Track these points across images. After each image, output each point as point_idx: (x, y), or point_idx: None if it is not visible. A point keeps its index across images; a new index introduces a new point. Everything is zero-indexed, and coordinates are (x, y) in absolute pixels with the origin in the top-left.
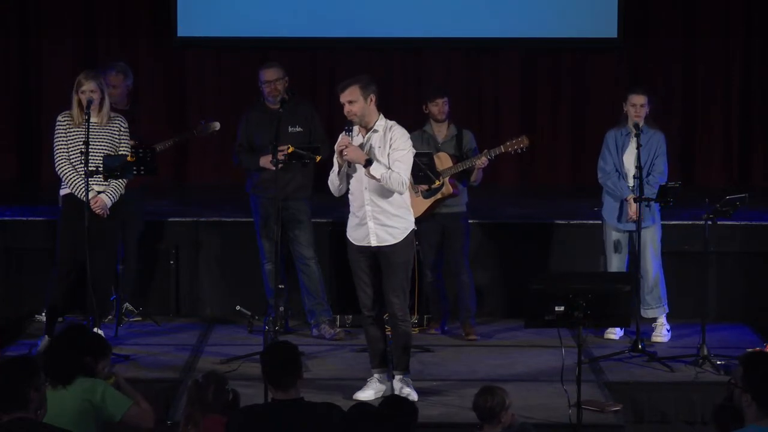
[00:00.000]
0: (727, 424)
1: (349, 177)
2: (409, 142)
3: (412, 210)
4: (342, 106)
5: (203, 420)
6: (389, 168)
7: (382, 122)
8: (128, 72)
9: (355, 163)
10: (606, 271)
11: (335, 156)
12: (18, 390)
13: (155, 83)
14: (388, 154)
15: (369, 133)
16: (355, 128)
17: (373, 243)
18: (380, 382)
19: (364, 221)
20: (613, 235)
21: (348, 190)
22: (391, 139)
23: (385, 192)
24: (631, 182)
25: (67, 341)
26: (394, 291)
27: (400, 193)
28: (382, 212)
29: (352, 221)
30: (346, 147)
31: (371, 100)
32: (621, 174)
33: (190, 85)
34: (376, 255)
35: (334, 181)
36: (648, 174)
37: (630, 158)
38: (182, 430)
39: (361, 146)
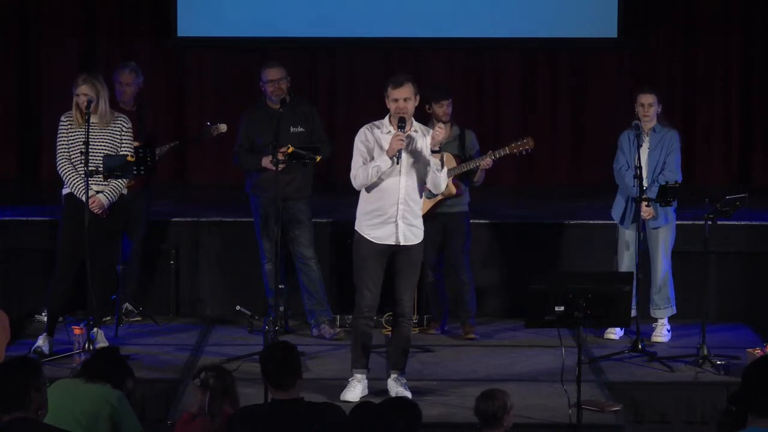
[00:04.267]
0: (731, 428)
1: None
2: None
3: None
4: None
5: (224, 413)
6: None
7: (416, 124)
8: (139, 71)
9: (436, 146)
10: (609, 270)
11: (359, 152)
12: (18, 390)
13: (155, 83)
14: (429, 154)
15: (408, 133)
16: (387, 125)
17: (401, 242)
18: (362, 382)
19: (393, 220)
20: (625, 235)
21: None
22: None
23: (416, 192)
24: (645, 182)
25: (110, 350)
26: (409, 291)
27: (437, 193)
28: (411, 212)
29: (373, 219)
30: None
31: (417, 100)
32: (634, 173)
33: (190, 85)
34: (395, 255)
35: (372, 176)
36: (660, 172)
37: (643, 157)
38: (210, 426)
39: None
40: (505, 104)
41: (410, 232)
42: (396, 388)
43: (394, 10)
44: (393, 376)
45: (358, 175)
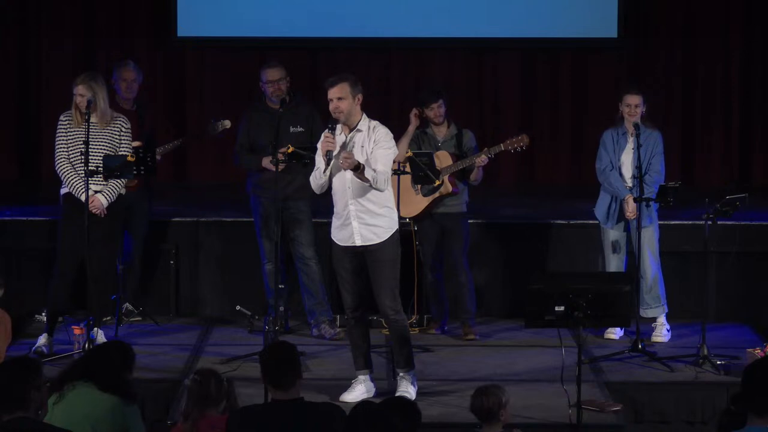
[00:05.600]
0: (731, 428)
1: (332, 176)
2: (393, 142)
3: (396, 209)
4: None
5: (205, 418)
6: (373, 169)
7: (365, 122)
8: (139, 69)
9: (350, 169)
10: (605, 271)
11: (319, 154)
12: (18, 390)
13: (155, 83)
14: (371, 152)
15: (352, 132)
16: (339, 126)
17: (358, 243)
18: (364, 383)
19: (348, 221)
20: (611, 235)
21: (330, 188)
22: (374, 140)
23: (368, 191)
24: (629, 182)
25: (122, 352)
26: (383, 291)
27: (381, 191)
28: (366, 211)
29: (336, 222)
30: (347, 157)
31: (358, 99)
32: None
33: (190, 85)
34: (362, 255)
35: (318, 179)
36: (645, 173)
37: (627, 158)
38: (179, 428)
39: (344, 145)
40: (505, 104)
41: (369, 232)
42: (399, 385)
43: (394, 10)
44: (400, 374)
45: (310, 179)
